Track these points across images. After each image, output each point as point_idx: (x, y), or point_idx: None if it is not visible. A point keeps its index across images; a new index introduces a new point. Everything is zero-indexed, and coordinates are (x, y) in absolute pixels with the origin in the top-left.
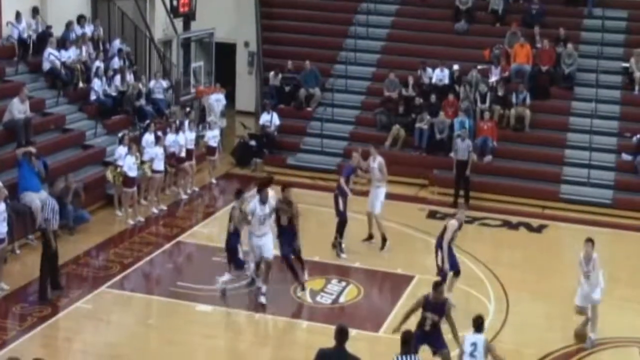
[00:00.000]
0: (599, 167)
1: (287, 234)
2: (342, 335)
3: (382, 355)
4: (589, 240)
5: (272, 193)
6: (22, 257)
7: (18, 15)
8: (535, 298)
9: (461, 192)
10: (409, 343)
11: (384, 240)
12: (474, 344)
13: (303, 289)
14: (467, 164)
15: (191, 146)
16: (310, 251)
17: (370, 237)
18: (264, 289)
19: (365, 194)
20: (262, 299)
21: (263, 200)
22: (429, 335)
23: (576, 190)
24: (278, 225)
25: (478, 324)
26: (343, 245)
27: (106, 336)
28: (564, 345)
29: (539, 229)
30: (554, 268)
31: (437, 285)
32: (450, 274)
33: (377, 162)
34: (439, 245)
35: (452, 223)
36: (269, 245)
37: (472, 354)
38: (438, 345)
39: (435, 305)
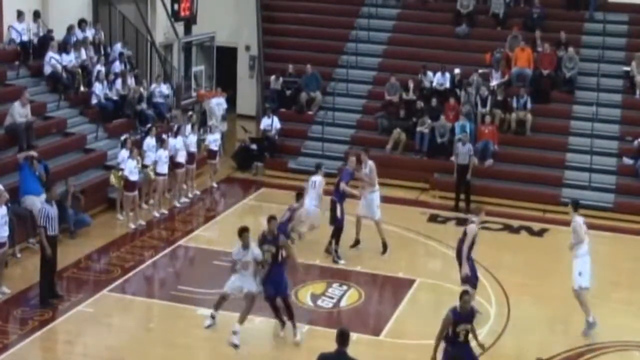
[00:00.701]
0: (600, 170)
1: (273, 273)
2: (343, 338)
3: (384, 359)
4: None
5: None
6: (23, 261)
7: (20, 14)
8: (536, 302)
9: (462, 196)
10: None
11: (385, 245)
12: None
13: (283, 327)
14: (467, 168)
15: (194, 149)
16: (312, 255)
17: (357, 242)
18: (236, 327)
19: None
20: (235, 339)
21: (245, 246)
22: (463, 346)
23: (577, 194)
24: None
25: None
26: (339, 252)
27: (107, 340)
28: (565, 349)
29: (540, 233)
30: (555, 272)
31: (464, 295)
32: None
33: (368, 167)
34: (460, 253)
35: (472, 227)
36: (250, 279)
37: None
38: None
39: (465, 316)
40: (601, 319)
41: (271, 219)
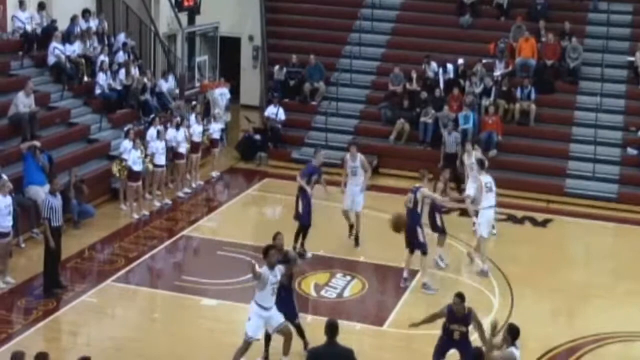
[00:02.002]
0: (604, 161)
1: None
2: (332, 330)
3: (386, 349)
4: None
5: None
6: (28, 251)
7: (22, 3)
8: (540, 293)
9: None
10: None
11: (357, 240)
12: None
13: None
14: (456, 157)
15: (198, 139)
16: (316, 245)
17: (352, 227)
18: None
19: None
20: None
21: (272, 265)
22: (459, 343)
23: (581, 185)
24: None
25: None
26: (307, 251)
27: (111, 330)
28: (569, 340)
29: (544, 224)
30: (559, 263)
31: (459, 297)
32: (419, 253)
33: (359, 160)
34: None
35: (424, 190)
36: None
37: None
38: (468, 354)
39: (461, 318)
40: (605, 309)
41: (277, 234)
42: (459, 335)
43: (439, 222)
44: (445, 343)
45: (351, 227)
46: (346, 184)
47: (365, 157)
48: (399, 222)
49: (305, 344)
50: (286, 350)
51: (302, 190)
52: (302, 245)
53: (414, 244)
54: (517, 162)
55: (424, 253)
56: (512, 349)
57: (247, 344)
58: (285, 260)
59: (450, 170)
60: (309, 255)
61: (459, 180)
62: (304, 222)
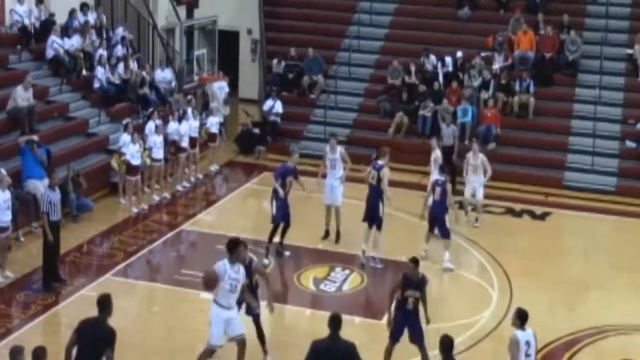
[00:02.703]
0: (602, 154)
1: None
2: (335, 323)
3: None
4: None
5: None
6: (26, 245)
7: None
8: (538, 285)
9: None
10: (452, 349)
11: (338, 235)
12: (527, 342)
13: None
14: (452, 149)
15: (195, 134)
16: (314, 239)
17: (327, 234)
18: None
19: (356, 180)
20: None
21: (234, 261)
22: (411, 315)
23: (580, 178)
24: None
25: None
26: (284, 249)
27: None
28: (568, 333)
29: (543, 217)
30: (557, 255)
31: (413, 262)
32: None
33: (338, 152)
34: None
35: (386, 170)
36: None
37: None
38: (417, 334)
39: (416, 282)
40: (604, 302)
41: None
42: (412, 303)
43: (447, 225)
44: (400, 318)
45: (326, 232)
46: (324, 175)
47: (364, 150)
48: (209, 281)
49: (264, 352)
50: None
51: (274, 191)
52: (281, 243)
53: (373, 218)
54: (515, 155)
55: (379, 227)
56: (516, 332)
57: (210, 352)
58: (248, 266)
59: (447, 162)
60: (287, 253)
61: (454, 173)
62: (277, 221)
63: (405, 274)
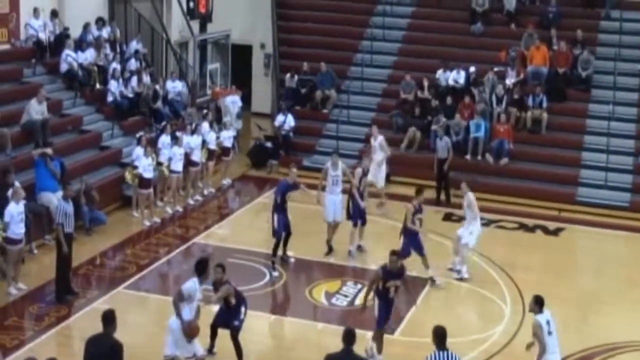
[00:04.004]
0: (616, 169)
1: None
2: (349, 337)
3: (398, 357)
4: None
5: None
6: (40, 258)
7: (35, 11)
8: (551, 301)
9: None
10: (445, 338)
11: (330, 249)
12: (548, 322)
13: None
14: (445, 161)
15: (213, 146)
16: (324, 253)
17: (330, 249)
18: None
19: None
20: None
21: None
22: (394, 301)
23: (593, 193)
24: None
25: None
26: (289, 256)
27: (122, 337)
28: (580, 349)
29: (556, 232)
30: (570, 271)
31: (394, 255)
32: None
33: (340, 169)
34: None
35: (358, 170)
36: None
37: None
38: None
39: (396, 273)
40: (616, 318)
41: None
42: (394, 291)
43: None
44: (384, 306)
45: (330, 248)
46: (323, 188)
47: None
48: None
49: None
50: None
51: (274, 206)
52: (284, 251)
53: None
54: (528, 170)
55: (363, 224)
56: (535, 316)
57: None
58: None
59: (442, 176)
60: (292, 260)
61: (448, 185)
62: (279, 234)
63: (385, 267)
